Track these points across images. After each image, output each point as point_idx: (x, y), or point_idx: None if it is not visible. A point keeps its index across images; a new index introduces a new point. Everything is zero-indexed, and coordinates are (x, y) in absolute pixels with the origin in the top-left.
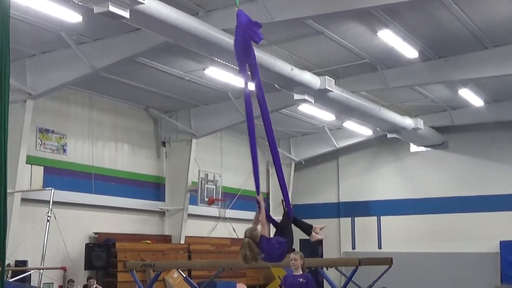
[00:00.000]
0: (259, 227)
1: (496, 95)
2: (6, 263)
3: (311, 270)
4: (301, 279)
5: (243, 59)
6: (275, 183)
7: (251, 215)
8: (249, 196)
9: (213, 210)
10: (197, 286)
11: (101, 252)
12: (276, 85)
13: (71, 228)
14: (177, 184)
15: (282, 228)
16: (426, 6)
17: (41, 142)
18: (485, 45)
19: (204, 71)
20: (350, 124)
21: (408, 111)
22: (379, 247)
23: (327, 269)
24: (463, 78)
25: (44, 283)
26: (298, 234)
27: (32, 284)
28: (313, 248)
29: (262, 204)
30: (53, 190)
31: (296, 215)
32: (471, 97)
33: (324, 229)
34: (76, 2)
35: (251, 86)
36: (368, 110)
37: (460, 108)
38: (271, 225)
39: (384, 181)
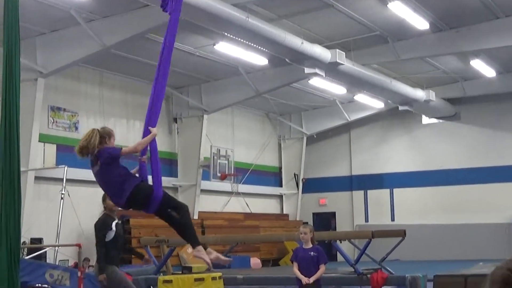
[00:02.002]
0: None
1: (508, 65)
2: (22, 241)
3: (324, 243)
4: (312, 253)
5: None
6: (287, 158)
7: (263, 189)
8: (261, 171)
9: (226, 185)
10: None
11: None
12: (286, 59)
13: (85, 205)
14: (190, 160)
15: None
16: None
17: (53, 120)
18: (497, 15)
19: (214, 47)
20: (361, 97)
21: (419, 83)
22: (392, 220)
23: (341, 242)
24: (475, 49)
25: (59, 260)
26: (310, 207)
27: (48, 261)
28: (326, 222)
29: (154, 134)
30: (66, 168)
31: (167, 200)
32: (483, 68)
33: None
34: None
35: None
36: (380, 82)
37: (472, 79)
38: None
39: (396, 154)
